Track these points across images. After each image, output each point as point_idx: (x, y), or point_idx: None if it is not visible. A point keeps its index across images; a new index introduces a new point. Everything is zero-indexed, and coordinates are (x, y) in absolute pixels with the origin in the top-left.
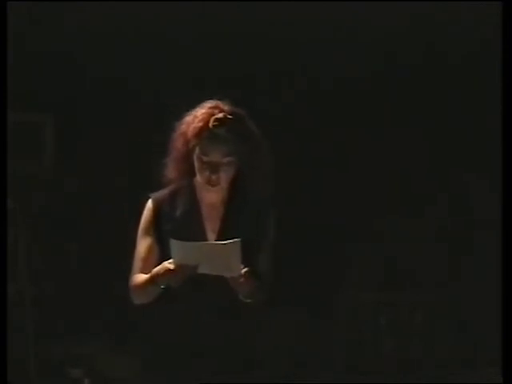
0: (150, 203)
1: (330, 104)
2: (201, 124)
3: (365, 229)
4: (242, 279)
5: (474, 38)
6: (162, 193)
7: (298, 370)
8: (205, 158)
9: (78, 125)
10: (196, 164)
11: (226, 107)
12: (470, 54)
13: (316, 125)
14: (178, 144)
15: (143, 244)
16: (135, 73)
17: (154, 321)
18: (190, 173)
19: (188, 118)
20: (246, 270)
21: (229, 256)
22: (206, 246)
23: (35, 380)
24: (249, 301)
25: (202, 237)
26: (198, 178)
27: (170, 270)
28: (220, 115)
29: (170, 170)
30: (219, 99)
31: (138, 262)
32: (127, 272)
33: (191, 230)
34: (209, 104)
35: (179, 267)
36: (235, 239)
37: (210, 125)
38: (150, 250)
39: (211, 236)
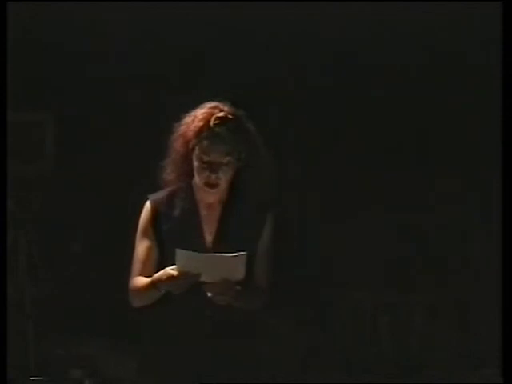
0: (148, 205)
1: (331, 103)
2: (201, 123)
3: (365, 229)
4: (226, 285)
5: (474, 38)
6: (161, 194)
7: (298, 370)
8: (205, 158)
9: (78, 124)
10: (195, 164)
11: (225, 107)
12: (470, 54)
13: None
14: (177, 145)
15: (142, 246)
16: (135, 73)
17: (154, 322)
18: (189, 174)
19: (187, 119)
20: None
21: (234, 268)
22: (212, 258)
23: (35, 380)
24: (237, 305)
25: (200, 238)
26: (197, 180)
27: (172, 276)
28: (221, 114)
29: (169, 172)
30: (219, 101)
31: (136, 264)
32: (127, 272)
33: (189, 231)
34: (208, 105)
35: (182, 274)
36: (242, 252)
37: (211, 123)
38: (148, 252)
39: (208, 237)
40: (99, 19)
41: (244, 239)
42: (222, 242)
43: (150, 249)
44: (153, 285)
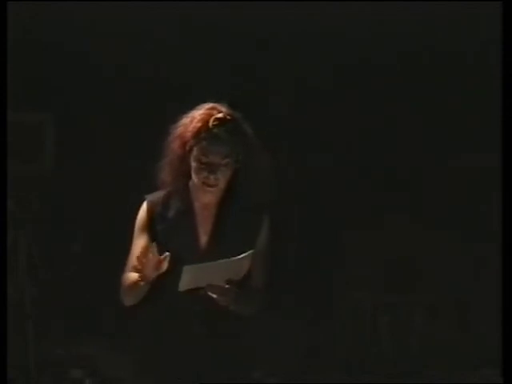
0: (144, 205)
1: (331, 103)
2: (200, 124)
3: (365, 228)
4: (226, 285)
5: (474, 38)
6: (157, 195)
7: (298, 370)
8: (203, 159)
9: (78, 124)
10: (194, 165)
11: (223, 109)
12: (470, 54)
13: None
14: (174, 146)
15: (137, 245)
16: (135, 73)
17: (153, 322)
18: (186, 175)
19: (185, 121)
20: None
21: (241, 268)
22: (219, 265)
23: (35, 380)
24: (234, 309)
25: (194, 238)
26: (195, 180)
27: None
28: (220, 115)
29: (166, 174)
30: (216, 102)
31: (131, 261)
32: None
33: (183, 231)
34: (206, 106)
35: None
36: (249, 252)
37: (210, 124)
38: (144, 250)
39: (203, 237)
40: (99, 19)
41: (239, 240)
42: (217, 243)
43: (145, 248)
44: (140, 278)
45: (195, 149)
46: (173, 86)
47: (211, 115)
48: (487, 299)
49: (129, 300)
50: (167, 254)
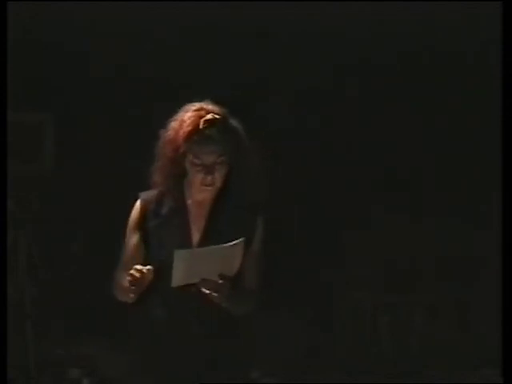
0: (138, 203)
1: (331, 103)
2: (190, 128)
3: (365, 228)
4: (220, 280)
5: (474, 38)
6: (151, 193)
7: (298, 370)
8: (198, 161)
9: (78, 124)
10: (189, 168)
11: (210, 107)
12: (470, 54)
13: (315, 125)
14: (166, 151)
15: (130, 242)
16: (135, 73)
17: (153, 322)
18: (179, 177)
19: (174, 125)
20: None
21: (233, 257)
22: (211, 250)
23: (35, 380)
24: (228, 307)
25: (187, 235)
26: (192, 181)
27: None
28: (209, 116)
29: (159, 176)
30: (200, 101)
31: (124, 259)
32: None
33: (176, 227)
34: (193, 107)
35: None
36: (239, 240)
37: (201, 126)
38: (136, 247)
39: (196, 234)
40: (99, 19)
41: (232, 238)
42: (210, 240)
43: (137, 245)
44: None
45: (189, 152)
46: (173, 86)
47: (201, 116)
48: (487, 299)
49: (122, 298)
50: (149, 267)
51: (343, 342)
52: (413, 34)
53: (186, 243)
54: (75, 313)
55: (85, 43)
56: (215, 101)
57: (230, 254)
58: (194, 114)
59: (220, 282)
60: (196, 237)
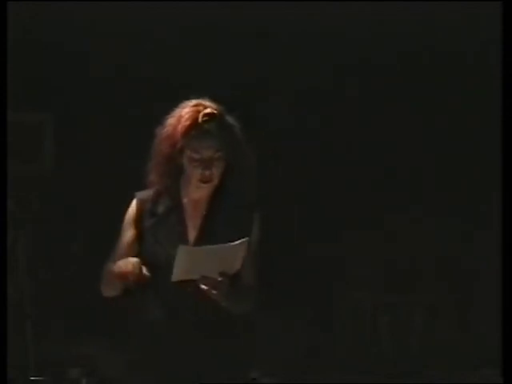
0: (134, 201)
1: (331, 103)
2: (189, 122)
3: (365, 228)
4: (220, 278)
5: (474, 38)
6: (147, 192)
7: (298, 370)
8: (196, 156)
9: (78, 124)
10: (186, 164)
11: (207, 103)
12: (470, 54)
13: (316, 124)
14: (163, 148)
15: (124, 239)
16: (135, 73)
17: (152, 321)
18: (175, 175)
19: (172, 121)
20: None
21: (235, 256)
22: (214, 249)
23: (35, 380)
24: (227, 305)
25: (183, 233)
26: (190, 178)
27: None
28: (208, 110)
29: (155, 174)
30: (197, 98)
31: (116, 254)
32: None
33: (172, 226)
34: (190, 103)
35: (137, 266)
36: (243, 239)
37: (200, 120)
38: (129, 245)
39: (192, 232)
40: (99, 19)
41: (228, 236)
42: (206, 238)
43: (131, 243)
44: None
45: (186, 147)
46: (173, 86)
47: (199, 111)
48: (487, 299)
49: (106, 291)
50: (137, 260)
51: (343, 341)
52: (413, 34)
53: (182, 241)
54: (75, 313)
55: (85, 43)
56: (215, 101)
57: (234, 253)
58: (192, 109)
59: (219, 279)
60: (192, 235)
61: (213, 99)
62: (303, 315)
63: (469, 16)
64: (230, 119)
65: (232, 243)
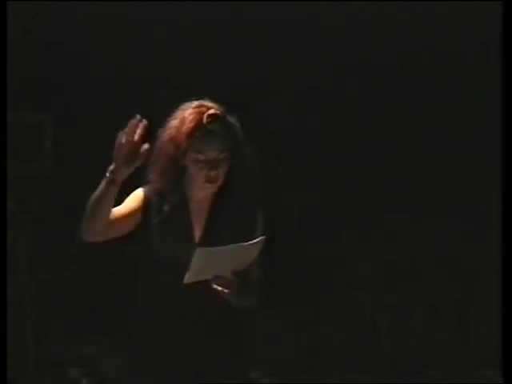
0: (141, 189)
1: (331, 103)
2: (193, 124)
3: (365, 228)
4: (231, 277)
5: (474, 38)
6: (152, 187)
7: (298, 370)
8: (201, 157)
9: (78, 124)
10: (190, 165)
11: (209, 104)
12: (470, 54)
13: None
14: (166, 149)
15: (124, 207)
16: (135, 73)
17: (152, 321)
18: (178, 175)
19: (175, 123)
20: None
21: (251, 254)
22: (231, 249)
23: (35, 379)
24: (236, 303)
25: (188, 232)
26: (195, 177)
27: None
28: (212, 111)
29: (154, 175)
30: (198, 99)
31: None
32: (127, 272)
33: (177, 225)
34: (192, 105)
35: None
36: (261, 237)
37: (204, 121)
38: (127, 213)
39: (197, 232)
40: (99, 19)
41: (233, 235)
42: (210, 238)
43: (132, 212)
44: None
45: (191, 149)
46: (173, 86)
47: (202, 112)
48: (487, 299)
49: (90, 222)
50: (146, 146)
51: (343, 342)
52: (413, 34)
53: (189, 242)
54: (75, 313)
55: (85, 43)
56: (215, 101)
57: (249, 251)
58: (195, 110)
59: (232, 278)
60: (197, 234)
61: (213, 99)
62: (303, 315)
63: (469, 16)
64: (232, 120)
65: (249, 242)
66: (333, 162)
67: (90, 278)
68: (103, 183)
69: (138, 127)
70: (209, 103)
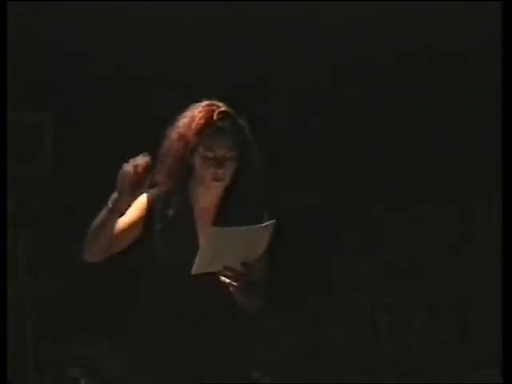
0: (144, 196)
1: (331, 103)
2: (203, 121)
3: (365, 228)
4: (242, 269)
5: (474, 38)
6: (157, 191)
7: (298, 370)
8: (210, 154)
9: (78, 124)
10: (198, 163)
11: (219, 103)
12: (470, 54)
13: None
14: (175, 148)
15: (129, 217)
16: (135, 73)
17: (152, 321)
18: (185, 176)
19: (184, 121)
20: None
21: (263, 238)
22: (244, 231)
23: (35, 379)
24: (241, 299)
25: (193, 238)
26: (203, 176)
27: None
28: (222, 108)
29: (162, 176)
30: (201, 100)
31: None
32: (127, 272)
33: (182, 231)
34: (202, 104)
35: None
36: (272, 221)
37: (215, 117)
38: (130, 225)
39: (201, 238)
40: (99, 19)
41: None
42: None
43: (133, 224)
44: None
45: (200, 146)
46: (173, 86)
47: (213, 110)
48: (487, 299)
49: (92, 246)
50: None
51: (343, 342)
52: (413, 34)
53: (193, 247)
54: (75, 313)
55: (85, 43)
56: (216, 101)
57: (260, 235)
58: (205, 108)
59: (241, 270)
60: (202, 239)
61: (213, 99)
62: (303, 315)
63: (469, 16)
64: (241, 120)
65: (260, 224)
66: (333, 161)
67: (90, 278)
68: (105, 211)
69: (142, 160)
70: (219, 103)
